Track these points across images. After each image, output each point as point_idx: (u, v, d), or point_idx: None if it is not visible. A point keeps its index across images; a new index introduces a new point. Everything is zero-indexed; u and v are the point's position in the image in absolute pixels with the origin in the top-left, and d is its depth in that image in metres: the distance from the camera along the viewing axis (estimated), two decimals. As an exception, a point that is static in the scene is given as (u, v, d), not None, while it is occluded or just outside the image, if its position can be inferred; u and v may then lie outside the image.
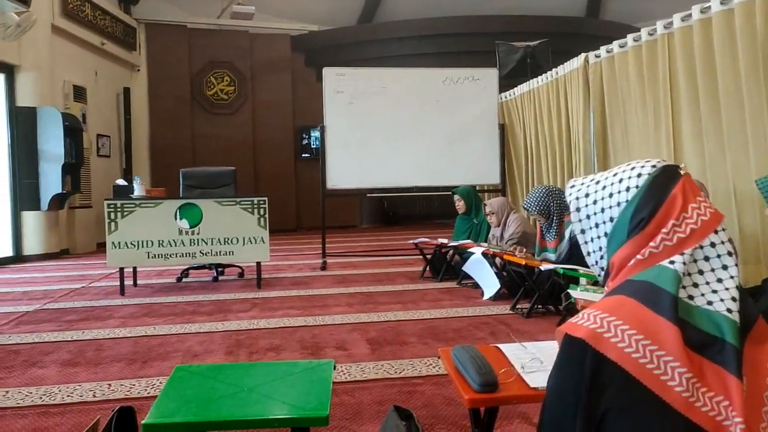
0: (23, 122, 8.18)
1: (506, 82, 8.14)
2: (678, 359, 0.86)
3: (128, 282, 5.55)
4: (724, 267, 0.94)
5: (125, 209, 5.22)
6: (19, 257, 8.16)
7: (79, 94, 9.51)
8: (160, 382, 2.83)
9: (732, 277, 0.93)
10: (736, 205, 3.93)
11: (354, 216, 13.64)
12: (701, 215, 0.95)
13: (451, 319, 4.12)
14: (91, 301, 5.04)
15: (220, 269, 6.27)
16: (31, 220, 8.27)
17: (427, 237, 6.42)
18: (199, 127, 12.50)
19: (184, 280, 6.09)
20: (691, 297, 0.92)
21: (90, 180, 9.58)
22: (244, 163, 11.80)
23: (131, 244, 5.21)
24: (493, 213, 5.40)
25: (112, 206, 5.21)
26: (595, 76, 5.73)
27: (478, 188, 7.02)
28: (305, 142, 13.27)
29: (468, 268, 5.01)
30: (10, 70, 8.15)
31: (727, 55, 3.95)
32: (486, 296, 4.78)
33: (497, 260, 4.76)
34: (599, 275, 1.08)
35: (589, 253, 1.08)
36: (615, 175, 1.04)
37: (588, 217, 1.06)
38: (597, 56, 5.70)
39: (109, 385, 2.86)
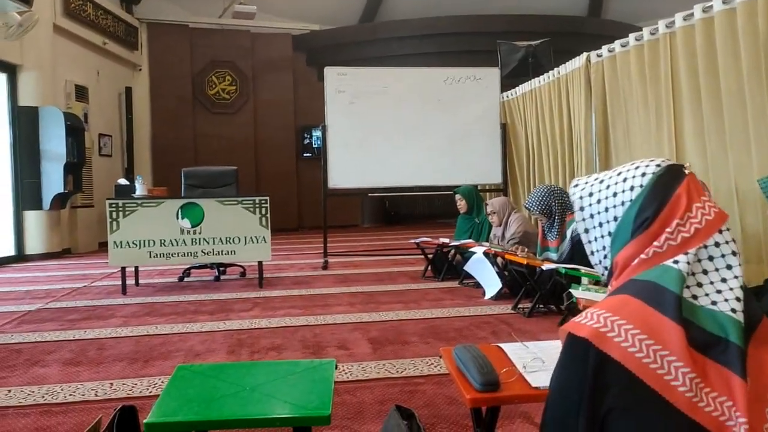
0: (25, 122, 8.20)
1: (508, 82, 8.13)
2: (682, 359, 0.86)
3: (130, 281, 5.56)
4: (729, 267, 0.93)
5: (127, 209, 5.23)
6: (21, 256, 8.18)
7: (81, 93, 9.53)
8: (162, 382, 2.84)
9: (736, 277, 0.92)
10: (738, 205, 3.93)
11: (355, 215, 13.65)
12: (706, 215, 0.95)
13: (453, 319, 4.12)
14: (93, 301, 5.05)
15: (221, 269, 6.28)
16: (33, 219, 8.28)
17: (429, 236, 6.42)
18: (200, 127, 12.51)
19: (185, 279, 6.09)
20: (695, 297, 0.92)
21: (92, 179, 9.59)
22: (246, 163, 11.80)
23: (133, 243, 5.22)
24: (494, 213, 5.40)
25: (113, 206, 5.22)
26: (597, 76, 5.72)
27: (479, 188, 7.02)
28: (307, 141, 13.27)
29: (469, 267, 5.01)
30: (12, 70, 8.17)
31: (729, 54, 3.95)
32: (487, 296, 4.78)
33: (499, 260, 4.75)
34: (603, 275, 1.08)
35: (592, 253, 1.08)
36: (619, 174, 1.04)
37: (592, 216, 1.06)
38: (599, 56, 5.69)
39: (111, 384, 2.86)
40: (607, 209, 1.03)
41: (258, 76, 12.86)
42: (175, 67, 12.22)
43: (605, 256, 1.05)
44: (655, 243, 0.95)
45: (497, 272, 4.73)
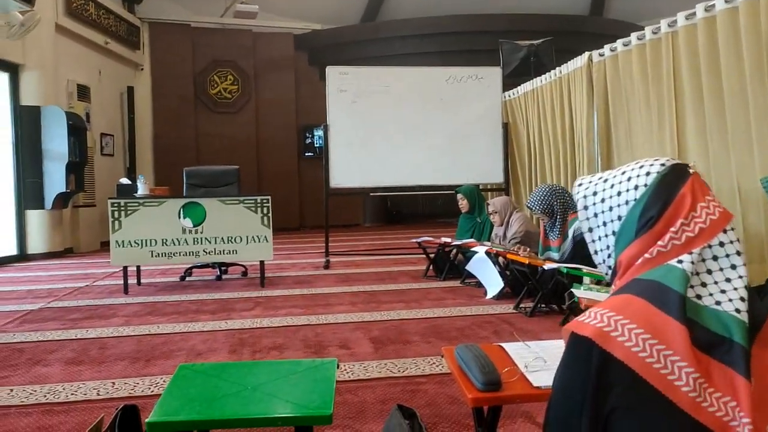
0: (27, 121, 8.21)
1: (510, 81, 8.13)
2: (685, 359, 0.85)
3: (132, 281, 5.56)
4: (733, 266, 0.93)
5: (129, 208, 5.23)
6: (23, 256, 8.19)
7: (83, 93, 9.53)
8: (164, 381, 2.84)
9: (741, 277, 0.92)
10: (740, 204, 3.92)
11: (357, 215, 13.65)
12: (710, 214, 0.95)
13: (455, 318, 4.12)
14: (94, 300, 5.05)
15: (223, 268, 6.28)
16: (35, 218, 8.29)
17: (430, 236, 6.42)
18: (202, 126, 12.52)
19: (187, 278, 6.10)
20: (699, 296, 0.92)
21: (94, 179, 9.60)
22: (248, 162, 11.80)
23: (135, 242, 5.22)
24: (496, 212, 5.40)
25: (115, 205, 5.22)
26: (599, 75, 5.71)
27: (481, 187, 7.01)
28: (308, 141, 13.28)
29: (471, 267, 5.01)
30: (14, 69, 8.17)
31: (732, 53, 3.94)
32: (489, 295, 4.78)
33: (500, 259, 4.75)
34: (606, 274, 1.08)
35: (596, 252, 1.08)
36: (623, 173, 1.03)
37: (596, 215, 1.05)
38: (601, 55, 5.68)
39: (113, 383, 2.86)
40: (611, 208, 1.02)
41: (260, 76, 12.86)
42: (177, 66, 12.23)
43: (609, 256, 1.05)
44: (660, 242, 0.95)
45: (499, 272, 4.73)
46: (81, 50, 9.75)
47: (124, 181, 9.24)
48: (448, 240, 5.83)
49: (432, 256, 5.97)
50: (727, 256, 0.93)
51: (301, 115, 13.03)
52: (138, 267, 5.79)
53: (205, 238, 5.33)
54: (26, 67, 8.22)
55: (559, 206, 4.35)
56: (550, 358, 1.68)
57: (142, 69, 12.02)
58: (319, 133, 12.36)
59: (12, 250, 8.12)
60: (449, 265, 5.72)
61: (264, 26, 12.66)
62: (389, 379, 2.86)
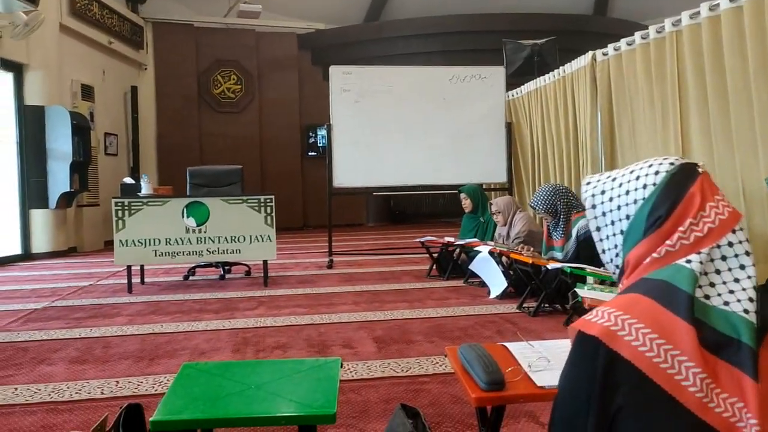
0: (31, 121, 8.23)
1: (513, 80, 8.12)
2: (693, 359, 0.85)
3: (135, 280, 5.57)
4: (742, 267, 0.92)
5: (132, 207, 5.24)
6: (27, 255, 8.21)
7: (87, 92, 9.56)
8: (168, 380, 2.84)
9: (749, 278, 0.91)
10: (744, 204, 3.90)
11: (360, 214, 13.65)
12: (719, 214, 0.94)
13: (458, 318, 4.12)
14: (98, 299, 5.07)
15: (227, 267, 6.29)
16: (39, 218, 8.31)
17: (434, 235, 6.41)
18: (206, 126, 12.54)
19: (191, 278, 6.11)
20: (707, 297, 0.91)
21: (97, 178, 9.63)
22: (251, 162, 11.81)
23: (138, 242, 5.23)
24: (499, 212, 5.39)
25: (119, 204, 5.24)
26: (603, 74, 5.70)
27: (484, 187, 7.01)
28: (312, 140, 13.29)
29: (475, 266, 5.00)
30: (18, 69, 8.20)
31: (736, 53, 3.93)
32: (493, 295, 4.77)
33: (504, 259, 4.75)
34: (614, 273, 1.07)
35: (604, 251, 1.07)
36: (632, 172, 1.02)
37: (604, 214, 1.05)
38: (604, 54, 5.67)
39: (117, 382, 2.87)
40: (619, 207, 1.02)
41: (263, 75, 12.88)
42: (181, 66, 12.25)
43: (617, 255, 1.04)
44: (668, 242, 0.94)
45: (502, 271, 4.72)
46: (85, 50, 9.78)
47: (128, 180, 9.26)
48: (452, 239, 5.82)
49: (435, 255, 5.97)
50: (736, 256, 0.93)
51: (305, 114, 13.04)
52: (141, 266, 5.81)
53: (209, 238, 5.33)
54: (30, 66, 8.24)
55: (563, 206, 4.35)
56: (553, 358, 1.67)
57: (145, 69, 12.04)
58: (322, 132, 12.38)
59: (16, 249, 8.14)
60: (452, 265, 5.72)
61: (267, 26, 12.67)
62: (392, 378, 2.86)
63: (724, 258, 0.93)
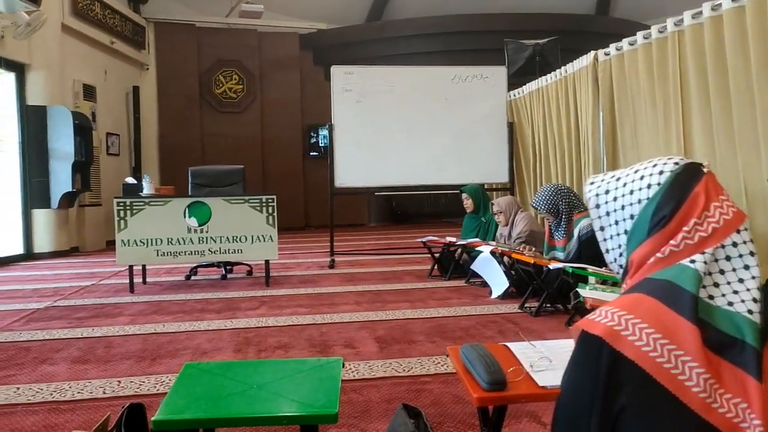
0: (34, 121, 8.24)
1: (515, 80, 8.11)
2: (696, 359, 0.85)
3: (137, 279, 5.58)
4: (746, 267, 0.92)
5: (134, 207, 5.25)
6: (29, 255, 8.22)
7: (89, 92, 9.57)
8: (170, 379, 2.85)
9: (754, 278, 0.91)
10: (747, 205, 3.90)
11: (362, 214, 13.65)
12: (724, 214, 0.94)
13: (460, 318, 4.12)
14: (100, 299, 5.07)
15: (228, 267, 6.29)
16: (41, 218, 8.33)
17: (435, 235, 6.41)
18: (207, 126, 12.54)
19: (192, 278, 6.11)
20: (711, 297, 0.91)
21: (99, 178, 9.64)
22: (253, 162, 11.82)
23: (140, 242, 5.24)
24: (500, 212, 5.39)
25: (121, 204, 5.24)
26: (605, 74, 5.69)
27: (486, 186, 7.00)
28: (313, 140, 13.29)
29: (476, 266, 5.00)
30: (20, 69, 8.21)
31: (739, 53, 3.92)
32: (494, 295, 4.77)
33: (506, 259, 4.75)
34: (617, 273, 1.07)
35: (608, 251, 1.07)
36: (636, 172, 1.02)
37: (608, 213, 1.04)
38: (606, 54, 5.66)
39: (119, 381, 2.87)
40: (623, 207, 1.02)
41: (265, 75, 12.88)
42: (182, 66, 12.26)
43: (620, 255, 1.04)
44: (672, 242, 0.94)
45: (504, 271, 4.72)
46: (87, 50, 9.79)
47: (130, 180, 9.25)
48: (453, 239, 5.82)
49: (437, 255, 5.97)
50: (740, 256, 0.93)
51: (306, 114, 13.04)
52: (143, 266, 5.81)
53: (211, 238, 5.34)
54: (32, 66, 8.25)
55: (565, 206, 4.34)
56: (555, 358, 1.67)
57: (147, 69, 12.05)
58: (324, 132, 12.37)
59: (18, 249, 8.16)
60: (454, 265, 5.72)
61: (269, 26, 12.68)
62: (394, 378, 2.86)
63: (728, 258, 0.93)
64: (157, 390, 2.74)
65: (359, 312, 4.35)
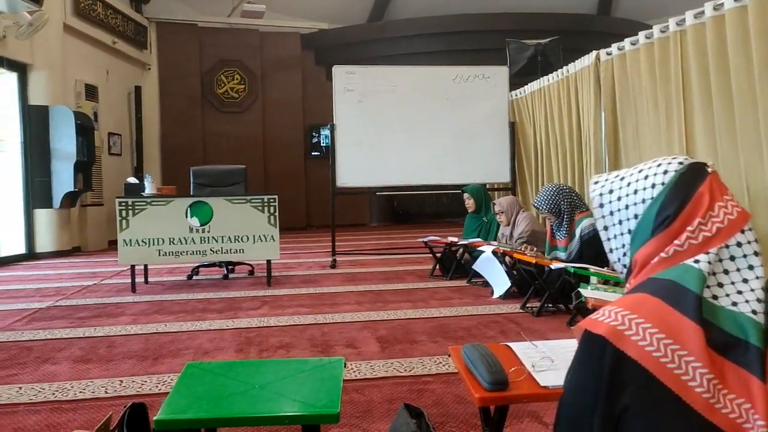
0: (36, 121, 8.25)
1: (517, 80, 8.10)
2: (700, 360, 0.84)
3: (139, 279, 5.58)
4: (750, 267, 0.92)
5: (136, 207, 5.25)
6: (31, 255, 8.23)
7: (91, 92, 9.58)
8: (172, 379, 2.85)
9: (758, 278, 0.91)
10: (749, 205, 3.89)
11: (363, 214, 13.65)
12: (728, 214, 0.93)
13: (461, 318, 4.12)
14: (102, 298, 5.08)
15: (230, 267, 6.30)
16: (43, 217, 8.34)
17: (437, 235, 6.41)
18: (209, 126, 12.55)
19: (194, 277, 6.11)
20: (715, 297, 0.91)
21: (101, 178, 9.65)
22: (255, 162, 11.83)
23: (142, 241, 5.24)
24: (502, 212, 5.39)
25: (123, 204, 5.25)
26: (607, 74, 5.69)
27: (488, 186, 7.00)
28: (315, 140, 13.29)
29: (478, 266, 5.00)
30: (22, 69, 8.22)
31: (741, 52, 3.91)
32: (496, 295, 4.77)
33: (507, 259, 4.74)
34: (621, 273, 1.07)
35: (611, 250, 1.07)
36: (640, 171, 1.02)
37: (612, 213, 1.04)
38: (608, 54, 5.66)
39: (121, 381, 2.87)
40: (627, 206, 1.01)
41: (267, 75, 12.88)
42: (184, 66, 12.27)
43: (624, 254, 1.04)
44: (676, 241, 0.94)
45: (506, 271, 4.72)
46: (89, 50, 9.80)
47: (132, 180, 9.27)
48: (455, 239, 5.82)
49: (438, 255, 5.97)
50: (745, 256, 0.92)
51: (308, 114, 13.05)
52: (145, 266, 5.82)
53: (212, 237, 5.34)
54: (34, 66, 8.26)
55: (566, 206, 4.34)
56: (557, 358, 1.67)
57: (149, 69, 12.06)
58: (325, 132, 12.38)
59: (20, 248, 8.17)
60: (456, 265, 5.71)
61: (271, 26, 12.68)
62: (396, 378, 2.86)
63: (732, 258, 0.92)
64: (159, 390, 2.74)
65: (361, 312, 4.35)
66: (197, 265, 6.18)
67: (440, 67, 7.74)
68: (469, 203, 6.03)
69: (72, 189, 8.38)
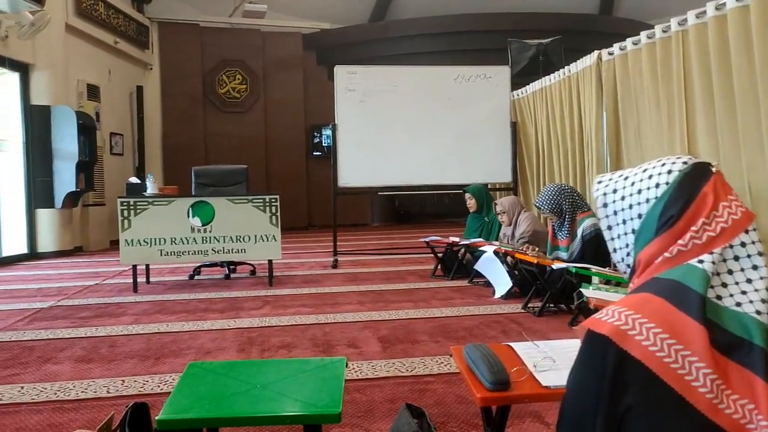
0: (38, 121, 8.26)
1: (518, 80, 8.09)
2: (703, 360, 0.84)
3: (141, 279, 5.59)
4: (755, 267, 0.91)
5: (138, 207, 5.25)
6: (33, 254, 8.24)
7: (93, 92, 9.59)
8: (173, 379, 2.85)
9: (762, 278, 0.90)
10: (751, 205, 3.88)
11: (365, 214, 13.65)
12: (732, 214, 0.93)
13: (463, 318, 4.12)
14: (104, 298, 5.08)
15: (232, 267, 6.30)
16: (45, 217, 8.35)
17: (439, 235, 6.41)
18: (211, 126, 12.56)
19: (196, 277, 6.12)
20: (719, 297, 0.90)
21: (103, 178, 9.66)
22: (256, 162, 11.83)
23: (144, 241, 5.24)
24: (504, 212, 5.39)
25: (125, 204, 5.25)
26: (608, 74, 5.68)
27: (489, 186, 6.99)
28: (317, 140, 13.30)
29: (480, 266, 5.00)
30: (24, 69, 8.23)
31: (743, 52, 3.91)
32: (497, 295, 4.77)
33: (509, 259, 4.74)
34: (625, 272, 1.06)
35: (615, 250, 1.06)
36: (644, 171, 1.02)
37: (615, 213, 1.04)
38: (610, 53, 5.65)
39: (123, 381, 2.88)
40: (631, 206, 1.01)
41: (268, 75, 12.89)
42: (186, 66, 12.28)
43: (628, 254, 1.03)
44: (680, 241, 0.94)
45: (507, 271, 4.72)
46: (91, 50, 9.81)
47: (134, 180, 9.28)
48: (457, 239, 5.82)
49: (440, 255, 5.97)
50: (749, 256, 0.92)
51: (310, 114, 13.05)
52: (147, 265, 5.82)
53: (214, 237, 5.35)
54: (36, 66, 8.27)
55: (568, 206, 4.34)
56: (559, 358, 1.67)
57: (151, 68, 12.08)
58: (327, 132, 12.38)
59: (22, 248, 8.18)
60: (457, 265, 5.72)
61: (272, 26, 12.69)
62: (397, 378, 2.86)
63: (736, 258, 0.92)
64: (161, 389, 2.74)
65: (362, 312, 4.35)
66: (199, 265, 6.19)
67: (442, 67, 7.74)
68: (471, 203, 6.03)
69: (74, 189, 8.39)
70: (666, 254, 0.95)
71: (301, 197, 12.82)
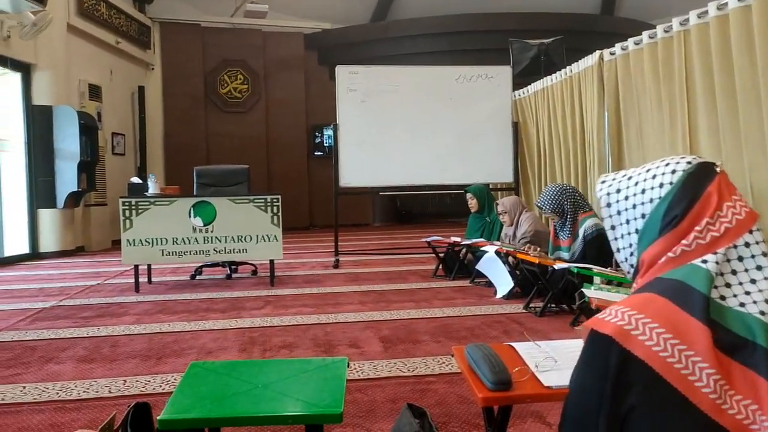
0: (39, 121, 8.27)
1: (520, 80, 8.09)
2: (707, 360, 0.84)
3: (143, 279, 5.59)
4: (758, 268, 0.91)
5: (140, 207, 5.26)
6: (35, 254, 8.25)
7: (95, 92, 9.60)
8: (175, 379, 2.85)
9: (766, 278, 0.90)
10: (753, 204, 3.87)
11: (366, 214, 13.65)
12: (736, 214, 0.93)
13: (464, 318, 4.11)
14: (106, 298, 5.09)
15: (233, 267, 6.30)
16: (47, 217, 8.36)
17: (440, 235, 6.41)
18: (212, 126, 12.57)
19: (197, 277, 6.12)
20: (723, 297, 0.90)
21: (105, 178, 9.67)
22: (258, 162, 11.83)
23: (146, 241, 5.25)
24: (505, 212, 5.38)
25: (126, 204, 5.25)
26: (610, 74, 5.68)
27: (491, 186, 6.99)
28: (318, 140, 13.30)
29: (481, 266, 5.00)
30: (26, 69, 8.24)
31: (745, 52, 3.90)
32: (499, 295, 4.77)
33: (510, 259, 4.74)
34: (628, 272, 1.06)
35: (618, 250, 1.06)
36: (648, 170, 1.01)
37: (619, 212, 1.04)
38: (612, 54, 5.65)
39: (125, 381, 2.88)
40: (634, 206, 1.01)
41: (270, 75, 12.90)
42: (188, 66, 12.29)
43: (631, 254, 1.03)
44: (684, 241, 0.93)
45: (509, 271, 4.71)
46: (92, 50, 9.82)
47: (135, 180, 9.28)
48: (458, 239, 5.82)
49: (442, 255, 5.97)
50: (753, 256, 0.92)
51: (311, 114, 13.06)
52: (149, 265, 5.82)
53: (216, 237, 5.35)
54: (38, 66, 8.28)
55: (570, 206, 4.34)
56: (560, 358, 1.67)
57: (152, 69, 12.09)
58: (328, 132, 12.38)
59: (24, 248, 8.19)
60: (459, 265, 5.71)
61: (274, 26, 12.70)
62: (399, 378, 2.86)
63: (740, 258, 0.92)
64: (163, 389, 2.74)
65: (364, 312, 4.35)
66: (200, 265, 6.19)
67: (443, 67, 7.74)
68: (472, 203, 6.03)
69: (75, 189, 8.40)
70: (670, 254, 0.94)
71: (303, 197, 12.82)
